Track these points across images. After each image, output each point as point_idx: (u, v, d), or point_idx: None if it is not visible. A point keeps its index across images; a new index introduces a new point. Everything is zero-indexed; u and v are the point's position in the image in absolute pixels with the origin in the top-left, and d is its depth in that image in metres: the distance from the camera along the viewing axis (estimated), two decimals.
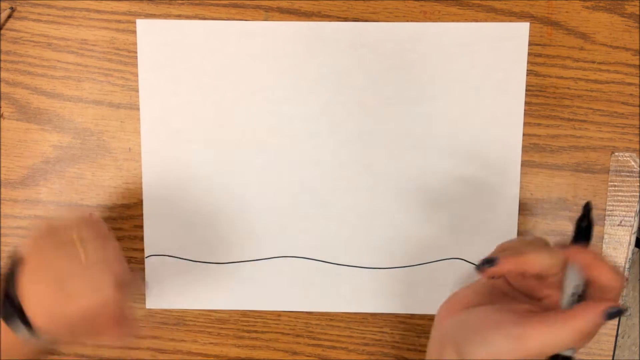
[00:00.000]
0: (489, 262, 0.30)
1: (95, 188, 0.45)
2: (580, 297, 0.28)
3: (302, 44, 0.43)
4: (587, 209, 0.29)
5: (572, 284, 0.28)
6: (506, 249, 0.31)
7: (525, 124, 0.44)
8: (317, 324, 0.46)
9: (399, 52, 0.43)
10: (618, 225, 0.45)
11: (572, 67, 0.44)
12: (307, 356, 0.46)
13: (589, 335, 0.28)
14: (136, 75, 0.44)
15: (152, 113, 0.44)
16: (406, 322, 0.46)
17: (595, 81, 0.44)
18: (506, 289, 0.33)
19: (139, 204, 0.45)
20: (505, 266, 0.29)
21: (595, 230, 0.45)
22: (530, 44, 0.43)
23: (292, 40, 0.43)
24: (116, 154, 0.45)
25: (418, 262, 0.45)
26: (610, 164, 0.44)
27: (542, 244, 0.30)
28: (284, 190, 0.45)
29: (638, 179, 0.44)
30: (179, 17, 0.43)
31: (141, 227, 0.45)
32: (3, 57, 0.44)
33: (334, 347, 0.46)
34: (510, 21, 0.43)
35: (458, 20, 0.43)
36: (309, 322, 0.46)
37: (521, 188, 0.45)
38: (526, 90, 0.44)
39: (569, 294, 0.28)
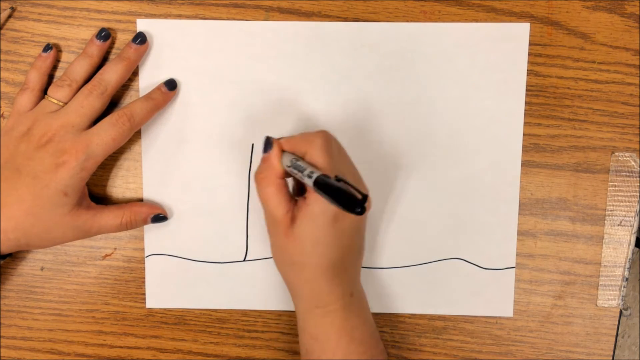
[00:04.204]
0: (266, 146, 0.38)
1: (95, 187, 0.45)
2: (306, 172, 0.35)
3: (302, 44, 0.43)
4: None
5: (306, 167, 0.35)
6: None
7: (525, 124, 0.44)
8: None
9: (399, 52, 0.43)
10: (618, 225, 0.45)
11: (572, 67, 0.44)
12: None
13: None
14: (136, 75, 0.44)
15: None
16: (406, 322, 0.46)
17: (596, 81, 0.44)
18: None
19: None
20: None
21: (595, 230, 0.45)
22: (530, 44, 0.43)
23: (292, 40, 0.43)
24: (116, 154, 0.45)
25: (418, 262, 0.45)
26: (610, 164, 0.44)
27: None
28: None
29: (638, 179, 0.44)
30: (179, 17, 0.43)
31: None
32: (3, 57, 0.44)
33: None
34: (510, 21, 0.43)
35: (458, 20, 0.43)
36: None
37: (521, 188, 0.45)
38: (526, 90, 0.44)
39: (302, 173, 0.35)
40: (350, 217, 0.37)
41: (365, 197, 0.31)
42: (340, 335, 0.39)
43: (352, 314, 0.39)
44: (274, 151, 0.38)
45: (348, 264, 0.39)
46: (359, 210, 0.31)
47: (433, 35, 0.43)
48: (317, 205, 0.36)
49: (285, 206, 0.37)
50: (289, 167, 0.37)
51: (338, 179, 0.33)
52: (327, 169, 0.36)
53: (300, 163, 0.36)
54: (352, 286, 0.40)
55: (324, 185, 0.33)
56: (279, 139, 0.38)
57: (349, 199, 0.31)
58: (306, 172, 0.35)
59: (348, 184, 0.32)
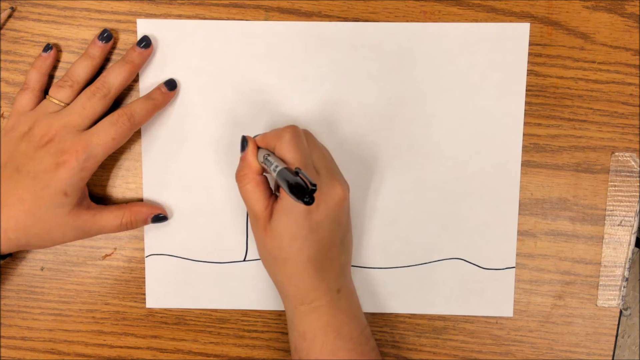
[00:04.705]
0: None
1: (95, 187, 0.45)
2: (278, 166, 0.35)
3: (302, 44, 0.43)
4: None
5: (273, 162, 0.36)
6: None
7: (525, 124, 0.44)
8: None
9: (399, 52, 0.43)
10: (618, 225, 0.45)
11: (573, 67, 0.44)
12: None
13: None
14: (136, 74, 0.44)
15: None
16: (406, 322, 0.46)
17: (596, 81, 0.44)
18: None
19: None
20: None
21: (595, 230, 0.45)
22: (530, 44, 0.43)
23: (292, 40, 0.43)
24: (116, 154, 0.45)
25: (418, 262, 0.45)
26: (610, 164, 0.44)
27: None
28: None
29: (638, 179, 0.44)
30: (179, 17, 0.43)
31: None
32: (3, 57, 0.44)
33: None
34: (510, 21, 0.43)
35: (458, 20, 0.43)
36: None
37: (521, 188, 0.45)
38: (526, 90, 0.44)
39: (274, 169, 0.36)
40: (323, 209, 0.37)
41: (314, 188, 0.32)
42: (327, 332, 0.39)
43: (340, 310, 0.39)
44: (249, 148, 0.39)
45: (331, 259, 0.39)
46: (307, 199, 0.32)
47: (433, 35, 0.43)
48: (289, 199, 0.36)
49: (264, 202, 0.38)
50: (262, 162, 0.38)
51: (296, 172, 0.33)
52: (295, 162, 0.36)
53: (270, 158, 0.37)
54: (338, 282, 0.40)
55: (282, 178, 0.34)
56: (254, 136, 0.40)
57: (300, 189, 0.32)
58: (272, 167, 0.35)
59: (304, 175, 0.33)
